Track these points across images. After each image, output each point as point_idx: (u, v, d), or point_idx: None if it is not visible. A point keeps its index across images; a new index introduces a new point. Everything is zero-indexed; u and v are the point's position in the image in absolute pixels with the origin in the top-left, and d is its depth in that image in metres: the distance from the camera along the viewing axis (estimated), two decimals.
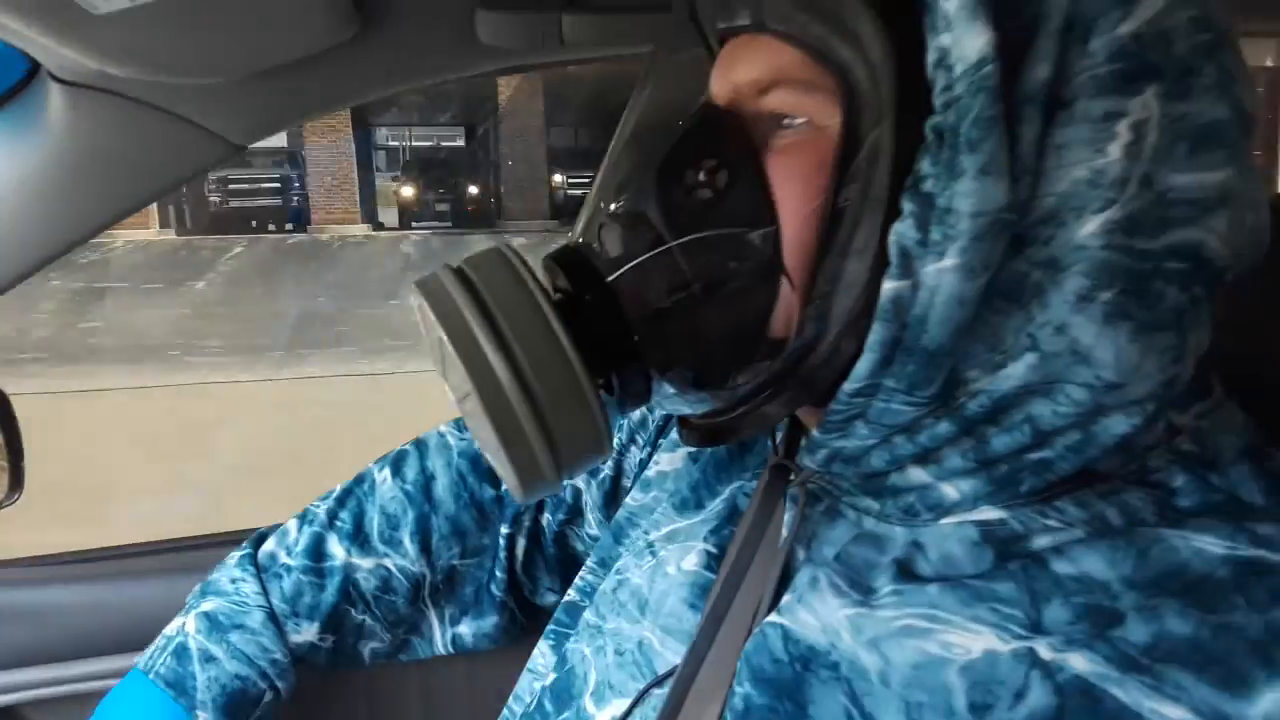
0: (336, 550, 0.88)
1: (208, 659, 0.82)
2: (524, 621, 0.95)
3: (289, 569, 0.87)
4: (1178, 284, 0.44)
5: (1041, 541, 0.48)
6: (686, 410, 0.58)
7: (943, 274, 0.42)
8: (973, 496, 0.49)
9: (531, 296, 0.48)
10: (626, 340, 0.51)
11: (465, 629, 0.95)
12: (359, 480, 0.93)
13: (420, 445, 0.94)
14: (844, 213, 0.46)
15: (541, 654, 0.75)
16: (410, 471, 0.92)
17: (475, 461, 0.92)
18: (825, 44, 0.46)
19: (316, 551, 0.88)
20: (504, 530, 0.91)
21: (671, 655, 0.60)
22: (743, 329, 0.51)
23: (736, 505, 0.66)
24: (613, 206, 0.55)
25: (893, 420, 0.48)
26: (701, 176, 0.50)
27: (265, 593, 0.86)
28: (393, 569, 0.89)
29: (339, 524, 0.90)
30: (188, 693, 0.81)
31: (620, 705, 0.60)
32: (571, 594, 0.76)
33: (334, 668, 0.91)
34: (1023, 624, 0.45)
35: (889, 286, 0.44)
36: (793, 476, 0.58)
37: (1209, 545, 0.43)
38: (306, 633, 0.87)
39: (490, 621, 0.94)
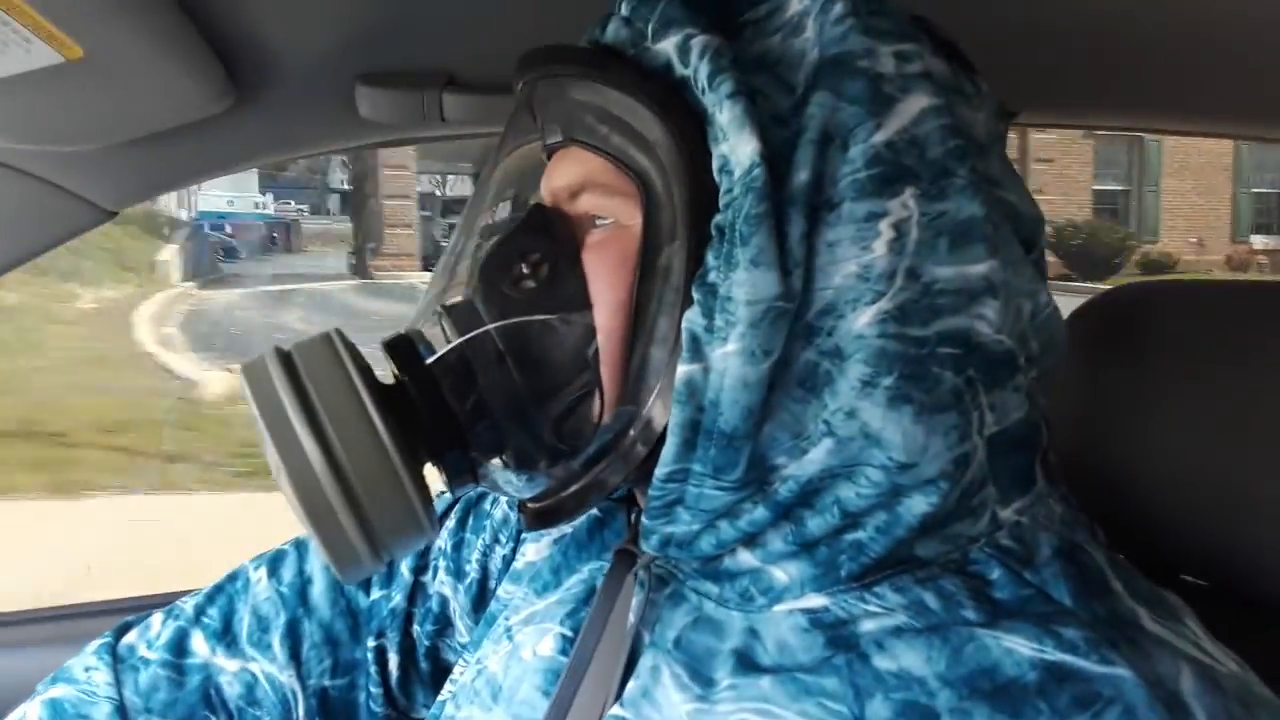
0: (200, 648, 0.82)
1: None
2: None
3: (147, 662, 0.81)
4: (952, 368, 0.47)
5: (865, 627, 0.49)
6: (514, 493, 0.60)
7: (728, 358, 0.46)
8: (800, 581, 0.51)
9: (349, 379, 0.50)
10: (448, 423, 0.53)
11: None
12: (232, 578, 0.86)
13: (300, 546, 0.88)
14: (648, 303, 0.51)
15: None
16: (287, 573, 0.86)
17: None
18: (625, 153, 0.51)
19: (178, 646, 0.81)
20: (371, 643, 0.85)
21: None
22: (562, 413, 0.54)
23: (594, 585, 0.66)
24: (445, 296, 0.59)
25: (709, 505, 0.50)
26: (526, 269, 0.54)
27: (118, 684, 0.79)
28: (259, 675, 0.82)
29: (206, 620, 0.83)
30: None
31: None
32: (447, 687, 0.74)
33: None
34: (846, 718, 0.46)
35: (682, 370, 0.47)
36: (638, 559, 0.59)
37: (1019, 646, 0.45)
38: None
39: None
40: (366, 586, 0.86)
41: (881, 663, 0.47)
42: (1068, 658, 0.44)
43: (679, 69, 0.49)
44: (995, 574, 0.49)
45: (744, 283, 0.45)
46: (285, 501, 0.52)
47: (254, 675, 0.81)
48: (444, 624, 0.85)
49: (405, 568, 0.84)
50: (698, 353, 0.47)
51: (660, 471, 0.49)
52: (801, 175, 0.46)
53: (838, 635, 0.50)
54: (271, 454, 0.49)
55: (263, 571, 0.86)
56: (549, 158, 0.58)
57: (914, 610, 0.49)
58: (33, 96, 0.67)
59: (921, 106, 0.48)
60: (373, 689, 0.86)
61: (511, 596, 0.74)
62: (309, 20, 0.77)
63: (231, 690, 0.81)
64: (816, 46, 0.49)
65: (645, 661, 0.55)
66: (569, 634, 0.63)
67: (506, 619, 0.70)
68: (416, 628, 0.85)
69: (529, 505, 0.58)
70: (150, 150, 0.86)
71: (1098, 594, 0.49)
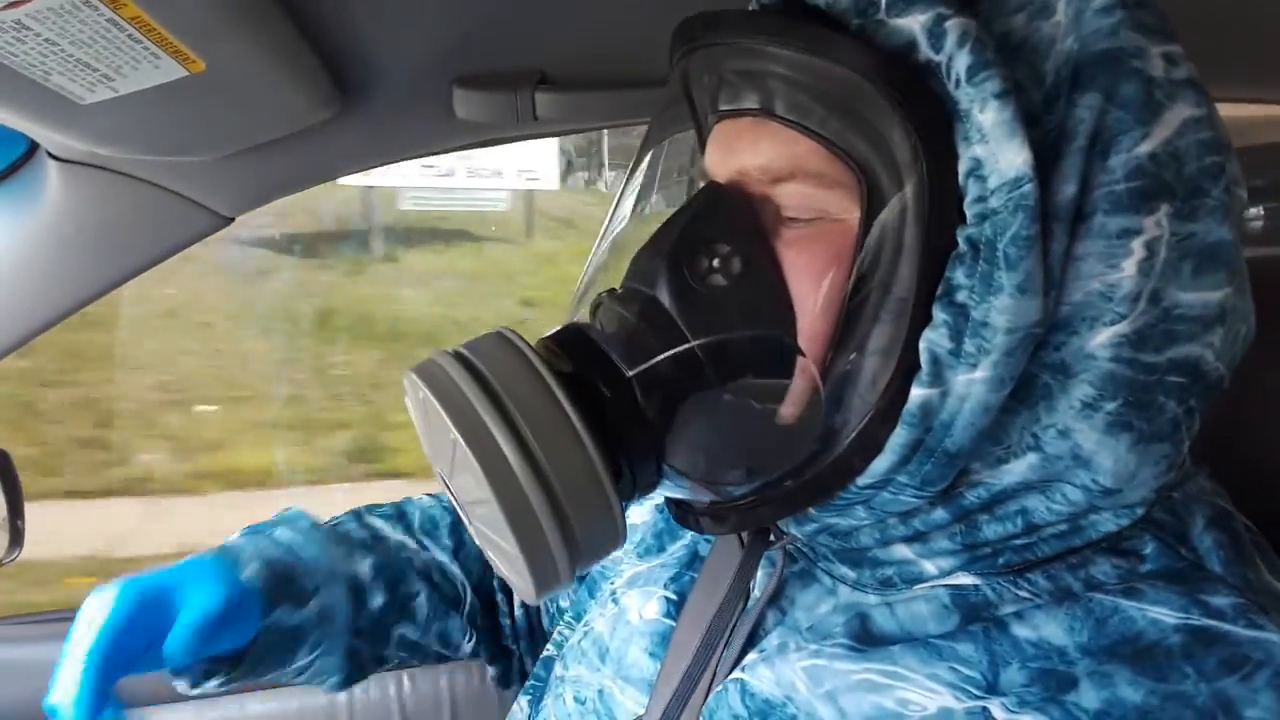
0: (381, 525, 0.85)
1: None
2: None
3: (341, 519, 0.85)
4: (1176, 397, 0.45)
5: (1007, 609, 0.49)
6: (689, 497, 0.56)
7: (973, 384, 0.43)
8: (950, 570, 0.51)
9: (547, 387, 0.45)
10: (645, 433, 0.49)
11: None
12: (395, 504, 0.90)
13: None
14: (863, 310, 0.45)
15: (520, 708, 0.75)
16: (445, 498, 0.90)
17: None
18: (845, 139, 0.46)
19: (361, 521, 0.85)
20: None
21: (632, 704, 0.61)
22: (756, 423, 0.50)
23: (697, 551, 0.67)
24: (619, 288, 0.52)
25: (895, 508, 0.48)
26: (715, 263, 0.49)
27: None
28: (437, 558, 0.86)
29: (378, 509, 0.88)
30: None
31: None
32: (548, 649, 0.77)
33: (359, 635, 0.79)
34: (979, 685, 0.46)
35: (918, 393, 0.44)
36: (772, 538, 0.58)
37: (1165, 615, 0.45)
38: (361, 565, 0.79)
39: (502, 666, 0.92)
40: None
41: (1020, 631, 0.47)
42: (1214, 623, 0.44)
43: (926, 52, 0.43)
44: (1148, 549, 0.49)
45: (1007, 310, 0.41)
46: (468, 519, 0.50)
47: (433, 558, 0.85)
48: None
49: None
50: (938, 377, 0.43)
51: (863, 481, 0.46)
52: (1069, 188, 0.43)
53: (976, 615, 0.49)
54: (469, 477, 0.44)
55: (423, 496, 0.91)
56: (709, 125, 0.54)
57: (1061, 594, 0.48)
58: (159, 110, 0.71)
59: (1184, 117, 0.44)
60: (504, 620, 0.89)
61: (614, 560, 0.75)
62: (408, 28, 0.81)
63: (423, 567, 0.84)
64: (1074, 36, 0.44)
65: (772, 640, 0.56)
66: (673, 597, 0.64)
67: (611, 583, 0.72)
68: None
69: (705, 507, 0.54)
70: (264, 158, 0.91)
71: (1248, 561, 0.49)
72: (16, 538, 1.12)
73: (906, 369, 0.44)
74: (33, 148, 0.92)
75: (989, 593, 0.50)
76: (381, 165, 1.02)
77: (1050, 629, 0.46)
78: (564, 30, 0.87)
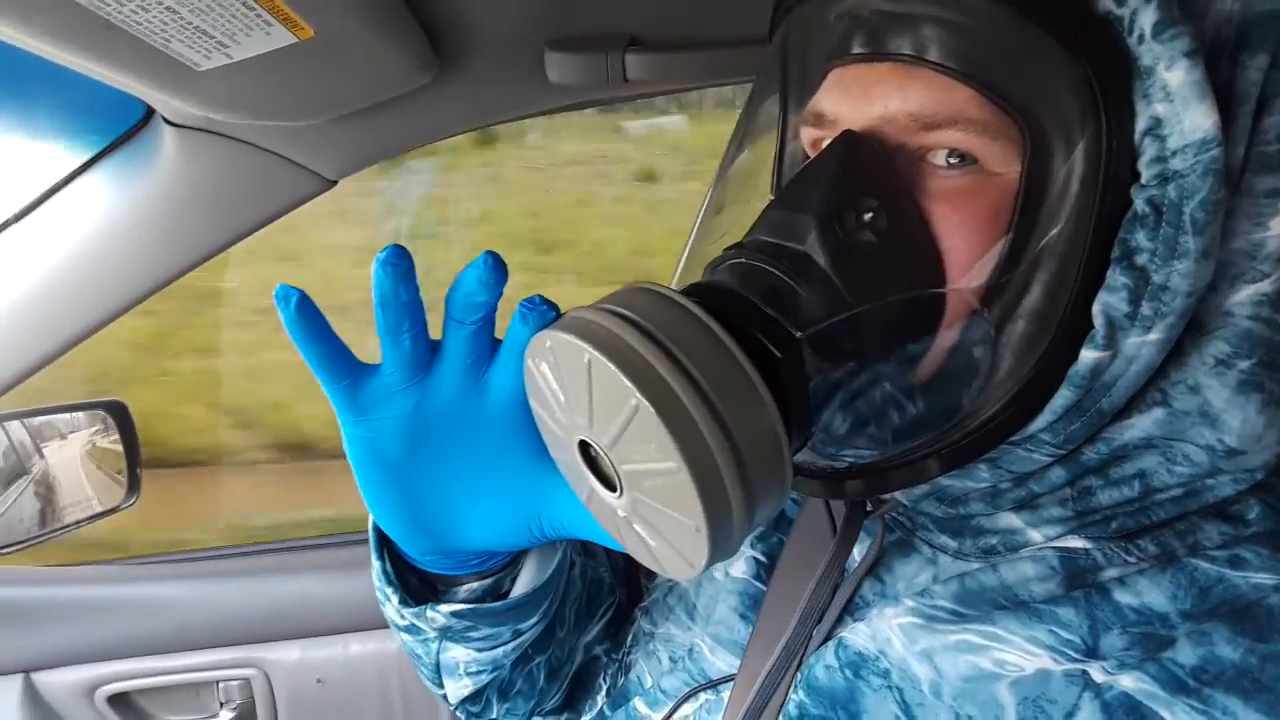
0: None
1: None
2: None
3: None
4: None
5: (1111, 573, 0.48)
6: (833, 463, 0.53)
7: (1144, 347, 0.42)
8: (1056, 536, 0.50)
9: (729, 352, 0.41)
10: (806, 395, 0.45)
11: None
12: None
13: None
14: (1024, 269, 0.44)
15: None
16: None
17: None
18: (1009, 88, 0.44)
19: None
20: None
21: (722, 664, 0.62)
22: (911, 382, 0.49)
23: (784, 512, 0.67)
24: (753, 243, 0.48)
25: (1021, 468, 0.48)
26: (868, 217, 0.46)
27: None
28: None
29: None
30: None
31: (670, 708, 0.62)
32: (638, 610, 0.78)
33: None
34: (1079, 649, 0.46)
35: (1090, 355, 0.43)
36: (869, 507, 0.57)
37: (1266, 579, 0.44)
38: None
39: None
40: None
41: (1123, 597, 0.47)
42: None
43: (1107, 4, 0.41)
44: (1253, 513, 0.48)
45: (1189, 274, 0.41)
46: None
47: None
48: None
49: None
50: (1112, 339, 0.43)
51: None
52: (1238, 150, 0.41)
53: (1080, 580, 0.49)
54: (652, 447, 0.40)
55: None
56: (821, 71, 0.51)
57: (1166, 559, 0.48)
58: (269, 76, 0.74)
59: None
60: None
61: None
62: None
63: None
64: None
65: (870, 612, 0.55)
66: (762, 559, 0.65)
67: None
68: None
69: (829, 470, 0.53)
70: (365, 123, 0.95)
71: None
72: (134, 485, 1.19)
73: (1074, 330, 0.43)
74: (149, 114, 0.98)
75: (1099, 557, 0.49)
76: (476, 129, 1.04)
77: (1153, 595, 0.46)
78: None
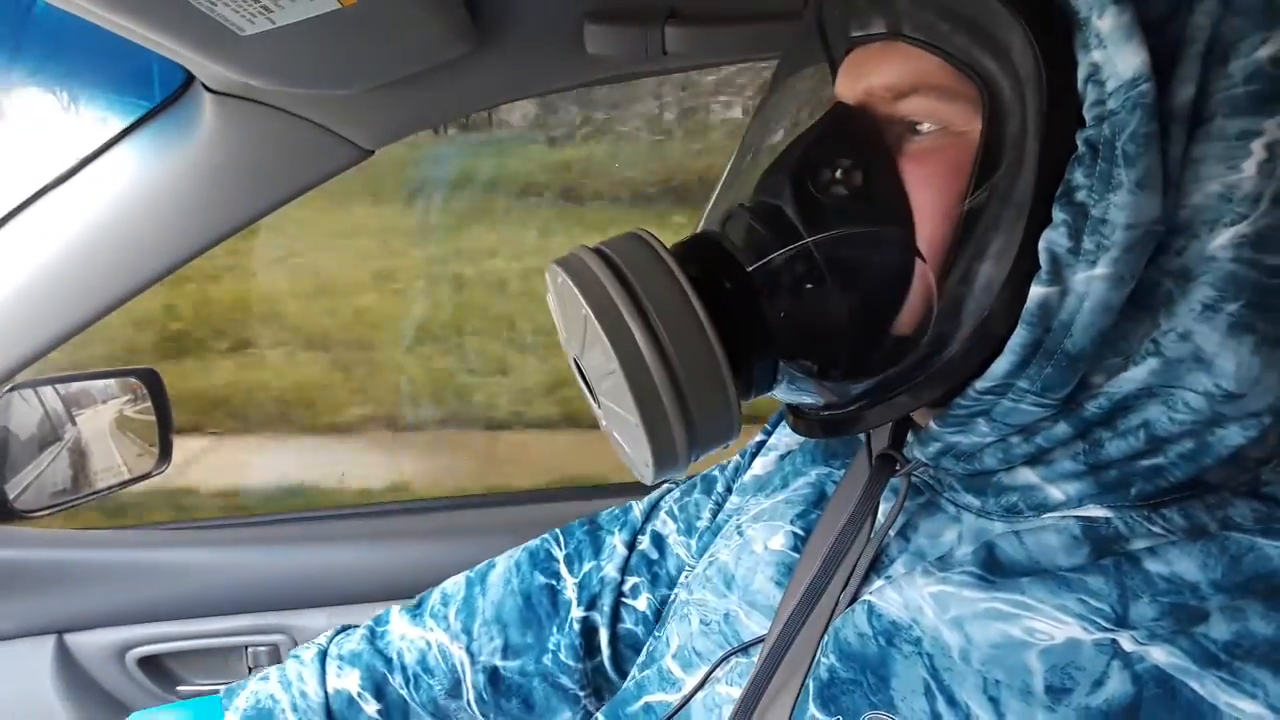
0: (395, 620, 0.90)
1: (263, 676, 0.86)
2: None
3: (355, 627, 0.91)
4: None
5: (1139, 544, 0.49)
6: (807, 400, 0.59)
7: (1092, 281, 0.44)
8: (1078, 498, 0.51)
9: (674, 278, 0.49)
10: (762, 329, 0.52)
11: None
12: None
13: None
14: (981, 216, 0.47)
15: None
16: (482, 563, 0.94)
17: (533, 554, 0.92)
18: (968, 54, 0.48)
19: (380, 618, 0.91)
20: (579, 615, 0.87)
21: (756, 627, 0.63)
22: (873, 324, 0.52)
23: (824, 492, 0.68)
24: (747, 201, 0.56)
25: (1017, 420, 0.49)
26: (838, 174, 0.52)
27: (330, 639, 0.89)
28: (431, 644, 0.87)
29: (410, 602, 0.92)
30: (233, 694, 0.84)
31: (705, 671, 0.63)
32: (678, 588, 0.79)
33: None
34: (1109, 617, 0.46)
35: (1037, 291, 0.45)
36: (898, 467, 0.59)
37: None
38: (347, 679, 0.85)
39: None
40: (547, 568, 0.90)
41: (1153, 566, 0.47)
42: None
43: None
44: None
45: (1126, 206, 0.42)
46: (598, 406, 0.54)
47: (427, 644, 0.87)
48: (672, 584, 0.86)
49: (619, 540, 0.88)
50: (1057, 275, 0.44)
51: (981, 385, 0.48)
52: (1186, 90, 0.43)
53: (1107, 549, 0.49)
54: (598, 351, 0.49)
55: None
56: (842, 55, 0.56)
57: (1196, 532, 0.48)
58: (310, 43, 0.75)
59: None
60: (566, 669, 0.86)
61: (739, 506, 0.77)
62: None
63: (410, 655, 0.87)
64: None
65: (897, 567, 0.57)
66: (800, 532, 0.66)
67: (737, 520, 0.74)
68: (628, 598, 0.86)
69: (812, 414, 0.58)
70: (403, 93, 0.95)
71: None
72: (166, 452, 1.21)
73: (1025, 270, 0.45)
74: (188, 81, 0.98)
75: (1121, 526, 0.50)
76: (514, 100, 1.04)
77: (1183, 565, 0.46)
78: None
